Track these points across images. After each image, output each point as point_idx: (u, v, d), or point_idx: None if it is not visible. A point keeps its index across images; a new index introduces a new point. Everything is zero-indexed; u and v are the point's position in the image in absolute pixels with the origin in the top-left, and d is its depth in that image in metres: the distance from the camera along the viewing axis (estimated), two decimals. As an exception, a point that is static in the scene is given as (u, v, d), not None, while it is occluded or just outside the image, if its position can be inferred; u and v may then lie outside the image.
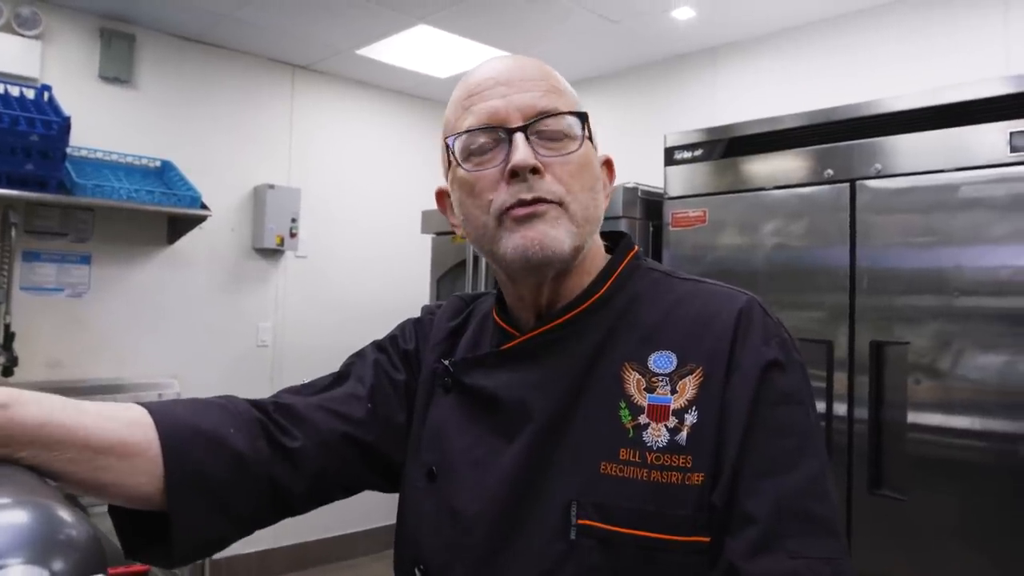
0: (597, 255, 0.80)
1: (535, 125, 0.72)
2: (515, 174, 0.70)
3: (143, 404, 0.68)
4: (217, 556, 3.24)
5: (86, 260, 3.19)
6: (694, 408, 0.68)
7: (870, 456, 1.99)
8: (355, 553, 4.00)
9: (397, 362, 0.86)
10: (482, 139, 0.73)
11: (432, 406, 0.82)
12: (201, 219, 3.28)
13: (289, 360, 3.77)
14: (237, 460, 0.70)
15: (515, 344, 0.78)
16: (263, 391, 0.90)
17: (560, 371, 0.74)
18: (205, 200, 3.26)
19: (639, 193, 2.60)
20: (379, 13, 3.12)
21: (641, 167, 2.80)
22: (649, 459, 0.67)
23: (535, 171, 0.70)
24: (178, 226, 3.37)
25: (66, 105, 2.90)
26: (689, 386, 0.69)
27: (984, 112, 1.86)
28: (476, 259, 3.15)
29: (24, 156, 2.67)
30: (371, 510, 3.96)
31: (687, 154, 2.48)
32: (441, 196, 0.85)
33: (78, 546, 0.39)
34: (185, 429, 0.68)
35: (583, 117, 0.74)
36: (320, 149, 4.00)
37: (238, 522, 0.71)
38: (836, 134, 2.13)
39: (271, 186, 3.68)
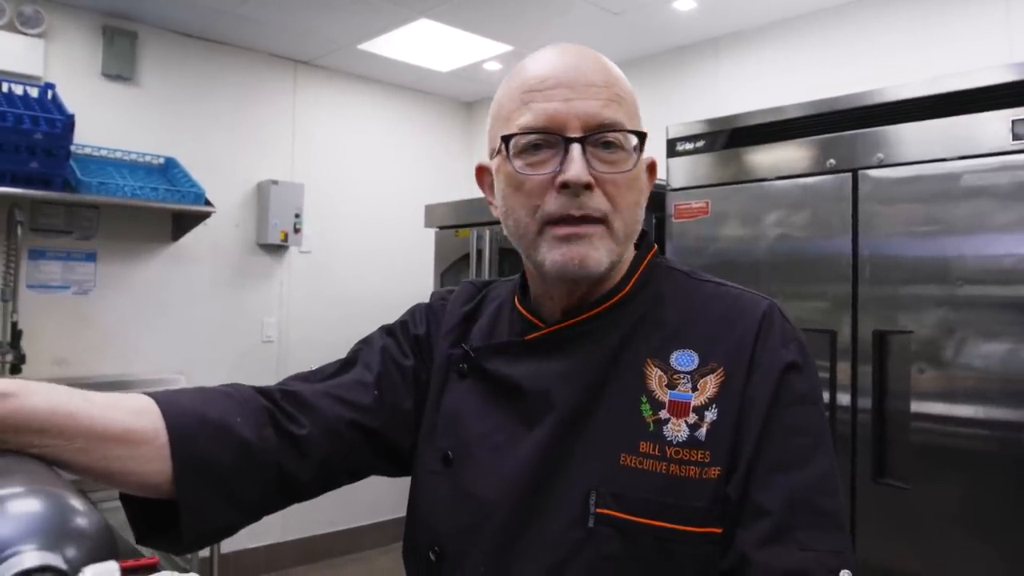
0: (627, 256, 0.81)
1: (593, 138, 0.72)
2: (567, 186, 0.71)
3: (150, 394, 0.69)
4: (225, 550, 3.28)
5: (91, 257, 3.21)
6: (714, 405, 0.70)
7: (874, 445, 2.00)
8: (362, 546, 4.02)
9: (406, 347, 0.86)
10: (538, 141, 0.73)
11: (447, 392, 0.83)
12: (205, 215, 3.30)
13: (294, 355, 3.79)
14: (244, 448, 0.71)
15: (541, 335, 0.79)
16: (268, 386, 0.91)
17: (584, 364, 0.75)
18: (209, 196, 3.27)
19: (641, 185, 2.60)
20: (380, 7, 3.12)
21: (643, 159, 2.80)
22: (668, 453, 0.69)
23: (587, 186, 0.71)
24: (182, 223, 3.39)
25: (69, 103, 2.91)
26: (710, 384, 0.71)
27: (986, 100, 1.85)
28: (480, 253, 3.16)
29: (29, 154, 2.69)
30: (378, 504, 3.98)
31: (689, 145, 2.48)
32: (481, 172, 0.84)
33: (89, 533, 0.40)
34: (192, 418, 0.69)
35: (642, 136, 0.75)
36: (323, 144, 4.00)
37: (245, 509, 0.73)
38: (838, 124, 2.13)
39: (274, 182, 3.69)
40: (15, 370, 2.85)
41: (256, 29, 3.44)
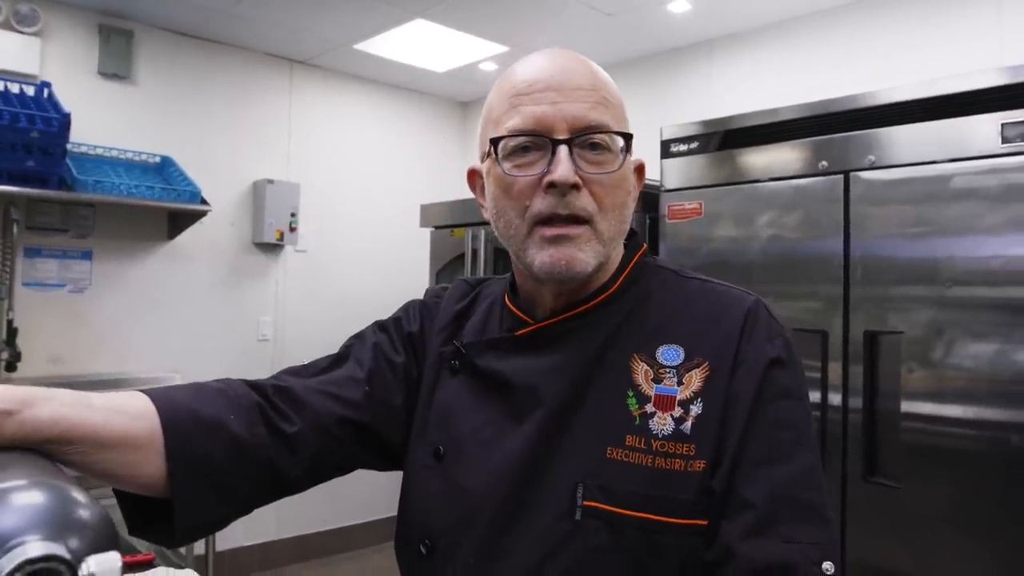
0: (615, 256, 0.82)
1: (580, 139, 0.73)
2: (554, 186, 0.72)
3: (147, 391, 0.70)
4: (220, 547, 3.29)
5: (87, 256, 3.22)
6: (699, 399, 0.71)
7: (864, 445, 2.02)
8: (356, 545, 4.03)
9: (398, 344, 0.88)
10: (526, 143, 0.74)
11: (438, 388, 0.84)
12: (201, 214, 3.31)
13: (290, 354, 3.80)
14: (236, 445, 0.72)
15: (530, 331, 0.81)
16: (264, 385, 0.91)
17: (572, 359, 0.77)
18: (205, 195, 3.28)
19: (636, 186, 2.62)
20: (376, 7, 3.13)
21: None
22: (654, 446, 0.70)
23: (574, 186, 0.73)
24: (178, 221, 3.39)
25: (65, 101, 2.91)
26: (695, 379, 0.72)
27: (976, 103, 1.87)
28: (475, 252, 3.17)
29: (25, 153, 2.69)
30: (372, 502, 4.00)
31: (683, 147, 2.50)
32: (473, 176, 0.86)
33: (92, 525, 0.41)
34: (187, 418, 0.70)
35: (628, 138, 0.76)
36: (319, 144, 4.01)
37: (237, 504, 0.74)
38: (830, 126, 2.15)
39: (270, 181, 3.69)
40: (10, 367, 2.85)
41: (252, 28, 3.45)
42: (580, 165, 0.73)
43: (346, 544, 4.01)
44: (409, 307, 0.93)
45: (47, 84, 2.95)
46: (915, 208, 1.96)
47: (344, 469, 0.83)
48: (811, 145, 2.18)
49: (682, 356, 0.73)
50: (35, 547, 0.38)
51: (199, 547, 3.01)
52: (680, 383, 0.72)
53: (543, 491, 0.72)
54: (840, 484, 2.05)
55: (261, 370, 4.03)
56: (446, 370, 0.84)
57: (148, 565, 1.39)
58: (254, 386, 0.79)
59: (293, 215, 3.75)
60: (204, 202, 3.26)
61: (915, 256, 1.95)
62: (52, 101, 2.88)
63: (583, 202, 0.73)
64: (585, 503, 0.70)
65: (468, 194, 0.87)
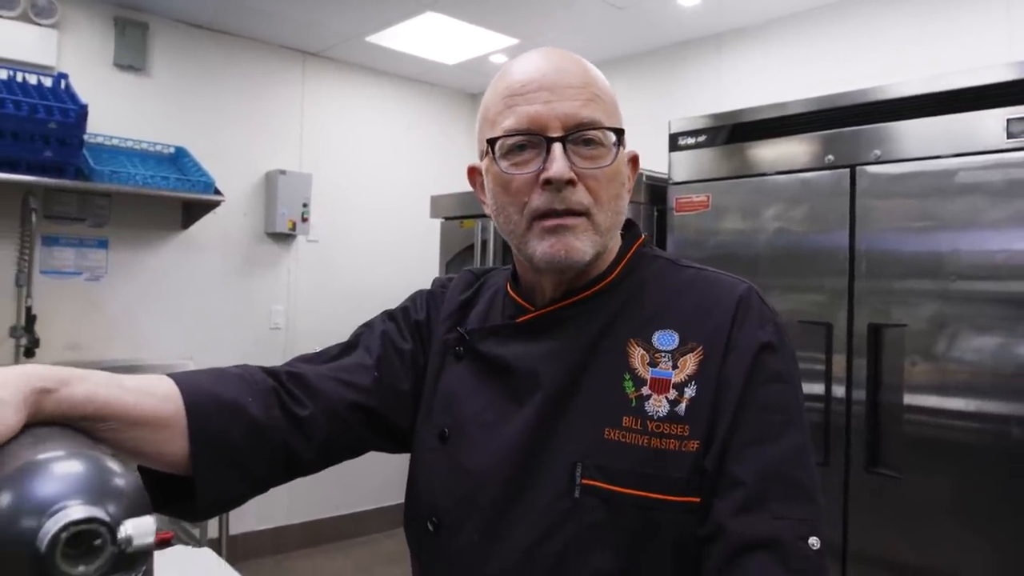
0: (613, 246, 0.85)
1: (573, 136, 0.76)
2: (550, 182, 0.75)
3: (171, 375, 0.74)
4: (234, 531, 3.35)
5: (103, 244, 3.27)
6: (693, 382, 0.74)
7: (867, 436, 2.04)
8: (367, 530, 4.09)
9: (405, 332, 0.91)
10: (522, 142, 0.77)
11: (443, 374, 0.87)
12: (215, 204, 3.35)
13: (301, 343, 3.85)
14: (254, 427, 0.76)
15: (530, 318, 0.84)
16: (276, 375, 0.94)
17: (570, 345, 0.80)
18: (218, 186, 3.33)
19: (644, 179, 2.64)
20: (387, 0, 3.16)
21: (646, 153, 2.84)
22: (650, 427, 0.73)
23: (570, 182, 0.75)
24: (192, 211, 3.44)
25: (82, 93, 2.95)
26: (690, 363, 0.75)
27: (982, 98, 1.88)
28: (484, 243, 3.20)
29: (43, 143, 2.74)
30: (383, 489, 4.05)
31: (691, 140, 2.52)
32: (473, 173, 0.89)
33: (127, 492, 0.45)
34: (208, 401, 0.73)
35: (620, 133, 0.79)
36: (331, 135, 4.05)
37: (254, 482, 0.78)
38: (837, 120, 2.15)
39: (283, 172, 3.74)
40: (29, 353, 2.92)
41: (265, 20, 3.48)
42: (574, 161, 0.76)
43: (356, 529, 4.07)
44: (416, 297, 0.96)
45: (64, 76, 3.00)
46: (920, 202, 1.97)
47: (355, 451, 0.87)
48: (818, 139, 2.19)
49: (677, 341, 0.76)
50: (77, 510, 0.41)
51: (213, 531, 3.07)
52: (675, 367, 0.75)
53: (543, 471, 0.75)
54: (843, 474, 2.07)
55: (273, 358, 4.08)
56: (451, 356, 0.88)
57: (166, 543, 1.44)
58: (270, 372, 0.83)
59: (305, 205, 3.79)
60: (218, 192, 3.31)
61: (919, 250, 1.96)
62: (69, 92, 2.93)
63: (579, 197, 0.76)
64: (584, 482, 0.73)
65: (476, 186, 0.89)
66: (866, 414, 2.04)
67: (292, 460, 0.80)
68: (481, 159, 0.84)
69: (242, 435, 0.74)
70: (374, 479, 4.03)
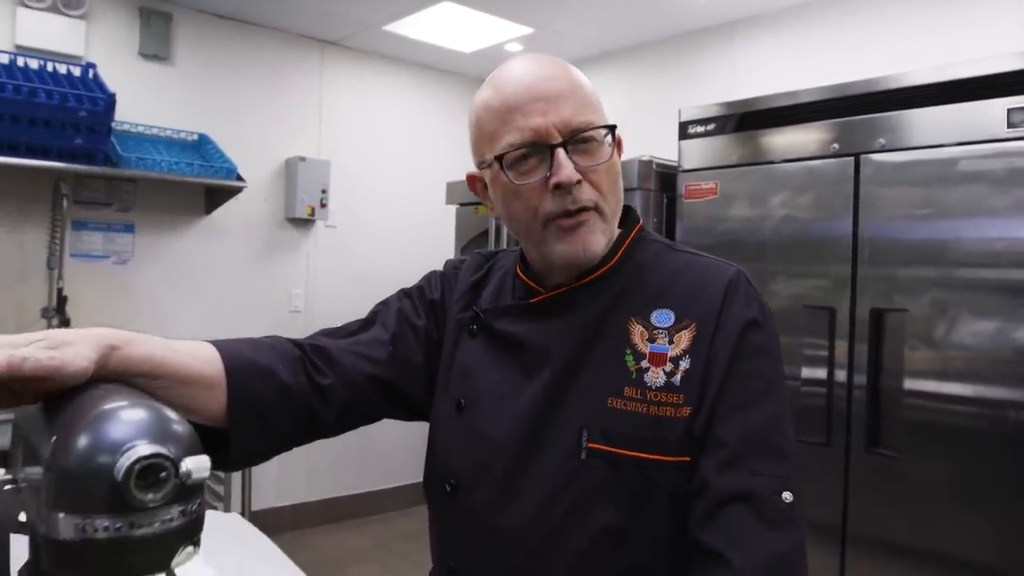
0: (614, 233, 0.93)
1: (571, 140, 0.83)
2: (560, 186, 0.82)
3: (214, 342, 0.83)
4: (255, 507, 3.47)
5: (130, 229, 3.38)
6: (687, 356, 0.81)
7: (868, 420, 2.09)
8: (383, 508, 4.21)
9: (420, 310, 0.99)
10: (527, 152, 0.84)
11: (459, 349, 0.95)
12: (237, 190, 3.45)
13: (320, 325, 3.84)
14: (284, 390, 0.84)
15: (541, 299, 0.91)
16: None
17: (577, 323, 0.87)
18: (240, 172, 3.42)
19: (654, 166, 2.70)
20: (405, -10, 3.23)
21: (658, 141, 2.89)
22: (648, 396, 0.81)
23: (576, 182, 0.82)
24: (215, 197, 3.54)
25: (109, 81, 3.05)
26: (684, 338, 0.82)
27: (985, 88, 1.91)
28: (499, 229, 3.28)
29: (73, 131, 2.84)
30: (399, 469, 4.17)
31: (700, 128, 2.57)
32: (473, 180, 0.95)
33: (184, 436, 0.53)
34: (245, 365, 0.82)
35: (612, 129, 0.86)
36: (349, 122, 4.13)
37: (280, 439, 0.86)
38: (844, 109, 2.19)
39: (302, 158, 3.83)
40: (60, 334, 3.03)
41: (285, 10, 3.56)
42: (576, 161, 0.83)
43: (373, 507, 4.19)
44: (431, 277, 1.04)
45: (92, 65, 3.09)
46: (923, 190, 2.01)
47: (371, 418, 0.95)
48: (824, 127, 2.23)
49: (673, 319, 0.84)
50: (145, 448, 0.49)
51: (236, 506, 3.19)
52: (671, 342, 0.82)
53: (552, 436, 0.83)
54: (844, 455, 2.13)
55: (293, 339, 4.19)
56: (465, 333, 0.95)
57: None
58: (296, 343, 0.91)
59: (324, 191, 3.88)
60: (240, 178, 3.40)
61: (921, 237, 2.00)
62: (97, 81, 3.02)
63: (586, 194, 0.83)
64: (589, 445, 0.81)
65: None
66: (867, 398, 2.09)
67: (315, 422, 0.88)
68: (480, 168, 0.91)
69: (273, 397, 0.83)
70: (390, 460, 4.15)
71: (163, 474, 0.50)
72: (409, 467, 4.12)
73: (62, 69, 3.02)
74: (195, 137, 3.52)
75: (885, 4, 2.92)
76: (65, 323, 3.02)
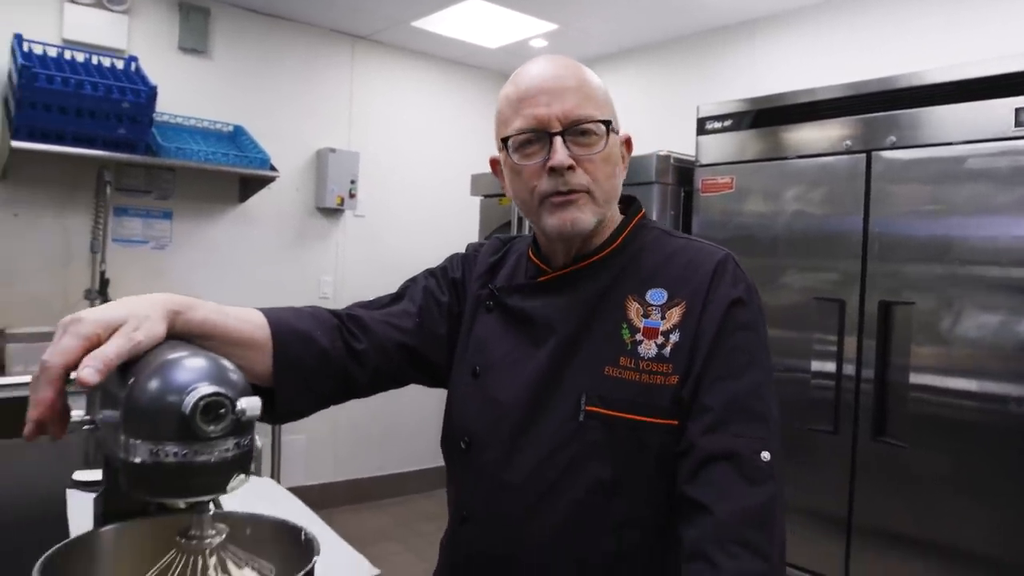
0: (614, 216, 1.03)
1: (571, 130, 0.92)
2: (554, 169, 0.92)
3: (261, 309, 0.93)
4: (284, 486, 3.60)
5: (168, 216, 3.53)
6: (677, 331, 0.91)
7: (875, 412, 2.14)
8: (406, 491, 4.34)
9: (444, 287, 1.10)
10: (529, 138, 0.94)
11: (476, 323, 1.06)
12: (270, 180, 3.57)
13: (347, 312, 4.07)
14: (323, 354, 0.95)
15: (547, 278, 1.02)
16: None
17: (580, 300, 0.97)
18: (273, 162, 3.55)
19: (672, 161, 2.78)
20: (433, -13, 3.32)
21: (677, 136, 2.97)
22: (641, 366, 0.90)
23: (570, 167, 0.92)
24: (249, 186, 3.68)
25: (149, 74, 3.18)
26: (675, 314, 0.92)
27: (994, 87, 1.96)
28: (520, 221, 3.37)
29: (117, 121, 2.98)
30: (422, 452, 4.29)
31: (718, 124, 2.63)
32: (494, 164, 1.06)
33: (238, 382, 0.63)
34: (289, 331, 0.92)
35: (607, 123, 0.95)
36: (378, 115, 4.25)
37: (319, 398, 0.97)
38: (857, 107, 2.25)
39: (332, 150, 3.95)
40: (103, 315, 3.18)
41: (317, 6, 3.68)
42: (573, 150, 0.93)
43: (397, 489, 4.32)
44: (453, 258, 1.15)
45: (134, 58, 3.24)
46: (931, 187, 2.06)
47: (399, 383, 1.06)
48: (838, 125, 2.29)
49: (666, 297, 0.93)
50: (206, 388, 0.60)
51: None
52: (663, 318, 0.92)
53: (555, 400, 0.93)
54: (851, 443, 2.20)
55: (322, 324, 4.33)
56: (482, 309, 1.06)
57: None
58: (334, 313, 1.02)
59: (353, 182, 4.01)
60: (273, 168, 3.53)
61: (929, 234, 2.06)
62: (140, 74, 3.16)
63: (578, 179, 0.93)
64: (587, 408, 0.91)
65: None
66: (874, 391, 2.15)
67: (349, 383, 0.99)
68: (499, 150, 1.02)
69: (313, 360, 0.93)
70: (413, 444, 4.28)
71: (222, 410, 0.60)
72: (430, 452, 4.22)
73: (106, 62, 3.16)
74: (231, 128, 3.65)
75: (900, 3, 2.95)
76: (107, 304, 3.16)
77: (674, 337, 0.90)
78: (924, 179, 2.08)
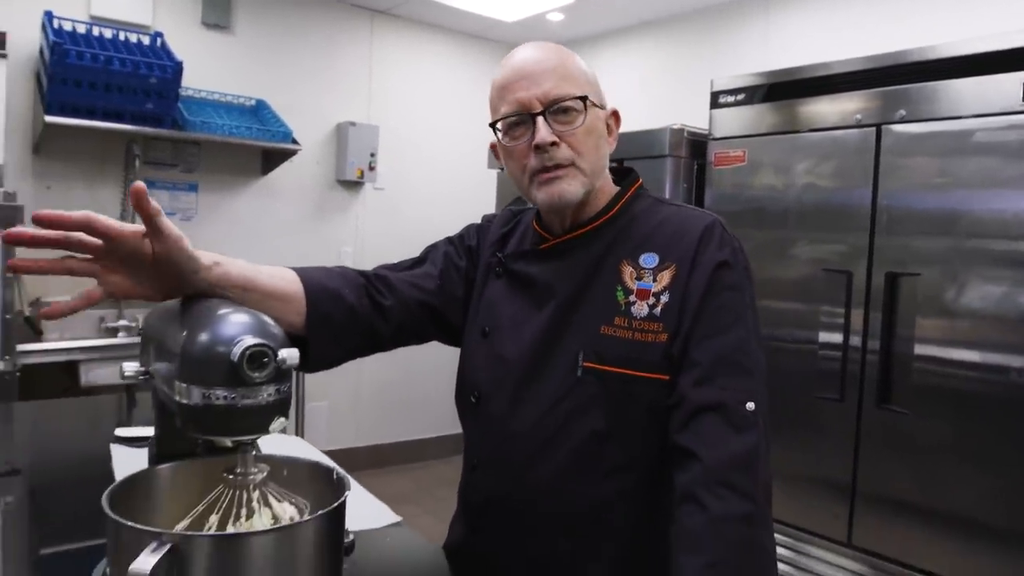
0: (607, 187, 1.10)
1: (551, 109, 0.99)
2: (539, 147, 0.99)
3: (294, 268, 1.02)
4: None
5: (194, 188, 3.63)
6: (667, 292, 0.98)
7: (879, 382, 2.20)
8: (425, 456, 4.47)
9: (461, 253, 1.19)
10: (515, 120, 1.01)
11: (487, 287, 1.14)
12: (292, 153, 3.66)
13: (367, 283, 4.17)
14: (350, 309, 1.03)
15: (548, 246, 1.10)
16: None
17: (578, 264, 1.05)
18: (294, 136, 3.62)
19: (685, 134, 2.82)
20: (451, -38, 3.35)
21: (691, 109, 3.00)
22: (634, 324, 0.98)
23: (553, 144, 0.99)
24: (271, 159, 3.76)
25: (174, 49, 3.25)
26: (665, 277, 0.99)
27: (1002, 62, 1.97)
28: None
29: (144, 96, 3.07)
30: (441, 420, 4.41)
31: (731, 98, 2.66)
32: (494, 146, 1.14)
33: (278, 335, 0.72)
34: (319, 288, 1.01)
35: (584, 99, 1.02)
36: (397, 89, 4.31)
37: (347, 350, 1.06)
38: (867, 81, 2.27)
39: (352, 123, 4.02)
40: (133, 284, 3.29)
41: (338, -20, 3.72)
42: (555, 127, 1.00)
43: (417, 455, 4.46)
44: (469, 227, 1.24)
45: (160, 34, 3.30)
46: (939, 161, 2.09)
47: (420, 339, 1.15)
48: (848, 99, 2.31)
49: (657, 261, 1.00)
50: (251, 339, 0.69)
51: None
52: (654, 280, 0.99)
53: (555, 357, 1.02)
54: (856, 410, 2.26)
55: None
56: (492, 274, 1.15)
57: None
58: (361, 273, 1.11)
59: (372, 155, 4.08)
60: (295, 142, 3.60)
61: (937, 207, 2.09)
62: (165, 50, 3.23)
63: (563, 154, 1.00)
64: (584, 364, 0.99)
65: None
66: (880, 361, 2.20)
67: (375, 336, 1.08)
68: (494, 133, 1.09)
69: (342, 314, 1.02)
70: (434, 410, 4.39)
71: (265, 359, 0.69)
72: (449, 419, 4.31)
73: (133, 38, 3.23)
74: (253, 103, 3.72)
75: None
76: (137, 274, 3.27)
77: (664, 298, 0.97)
78: (932, 153, 2.11)
